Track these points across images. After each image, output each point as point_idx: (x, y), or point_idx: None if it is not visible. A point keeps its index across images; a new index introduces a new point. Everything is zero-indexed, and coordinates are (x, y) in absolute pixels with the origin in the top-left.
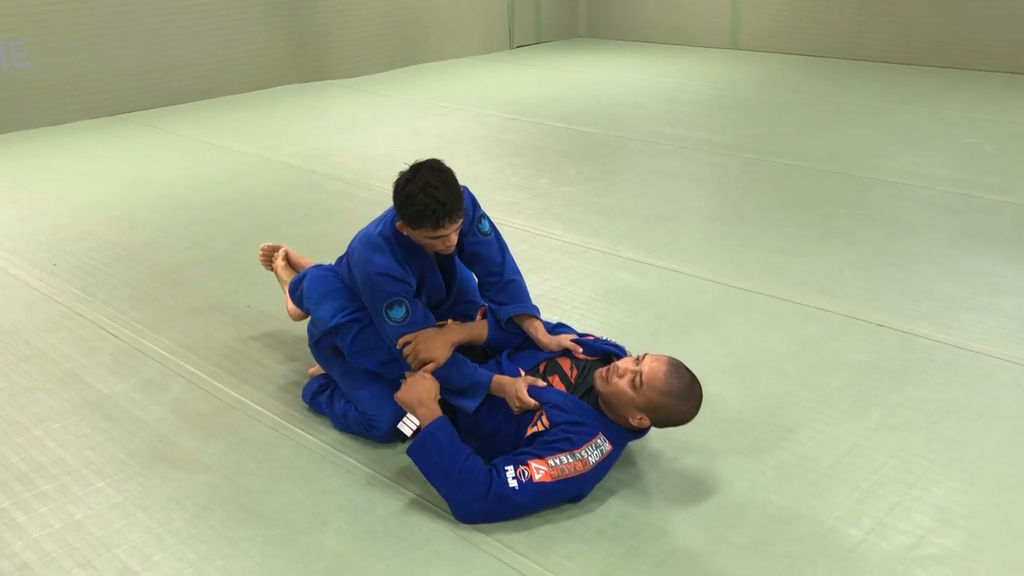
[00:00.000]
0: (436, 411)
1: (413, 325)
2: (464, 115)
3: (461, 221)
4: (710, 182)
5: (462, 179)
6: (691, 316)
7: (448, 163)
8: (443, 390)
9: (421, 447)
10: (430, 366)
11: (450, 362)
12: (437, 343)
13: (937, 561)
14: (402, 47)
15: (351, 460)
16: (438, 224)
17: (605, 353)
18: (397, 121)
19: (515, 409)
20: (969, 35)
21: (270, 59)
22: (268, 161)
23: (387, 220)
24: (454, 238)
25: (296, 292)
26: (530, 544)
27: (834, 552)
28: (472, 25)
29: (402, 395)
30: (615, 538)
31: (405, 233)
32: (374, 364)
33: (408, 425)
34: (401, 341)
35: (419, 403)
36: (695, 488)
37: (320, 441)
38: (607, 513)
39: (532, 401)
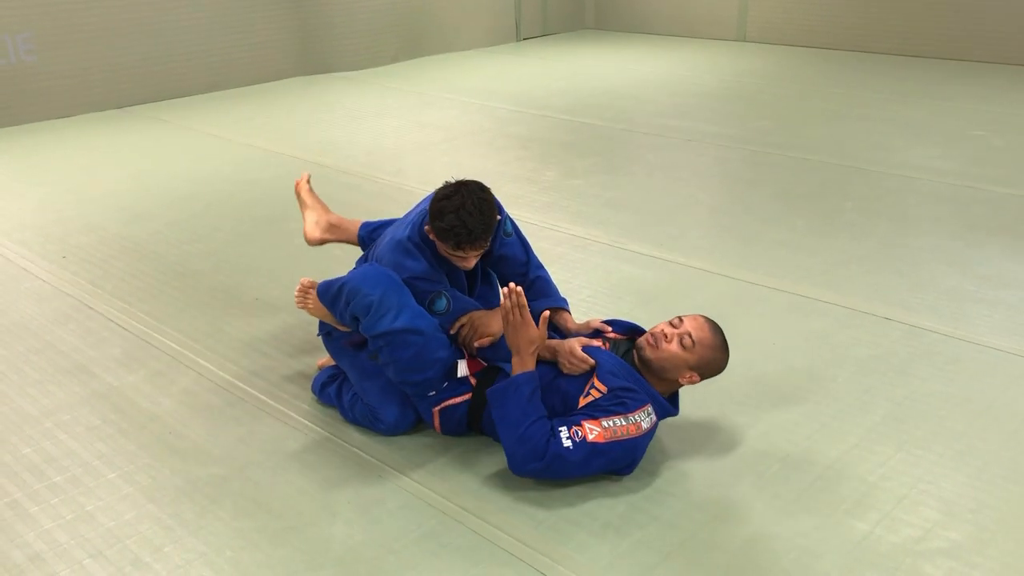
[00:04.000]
0: (529, 364)
1: (456, 313)
2: (470, 108)
3: (483, 250)
4: (716, 175)
5: (468, 172)
6: (697, 309)
7: (454, 156)
8: (496, 355)
9: (502, 395)
10: (486, 340)
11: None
12: (494, 319)
13: (944, 554)
14: (408, 39)
15: (360, 452)
16: (458, 246)
17: (631, 329)
18: (403, 114)
19: (566, 368)
20: (977, 27)
21: (275, 52)
22: (274, 154)
23: (415, 225)
24: (472, 262)
25: (331, 288)
26: (538, 536)
27: (840, 545)
28: (478, 17)
29: (509, 335)
30: (622, 530)
31: (431, 238)
32: (417, 380)
33: (461, 368)
34: (457, 324)
35: (516, 350)
36: (701, 481)
37: (329, 433)
38: (615, 506)
39: (588, 359)
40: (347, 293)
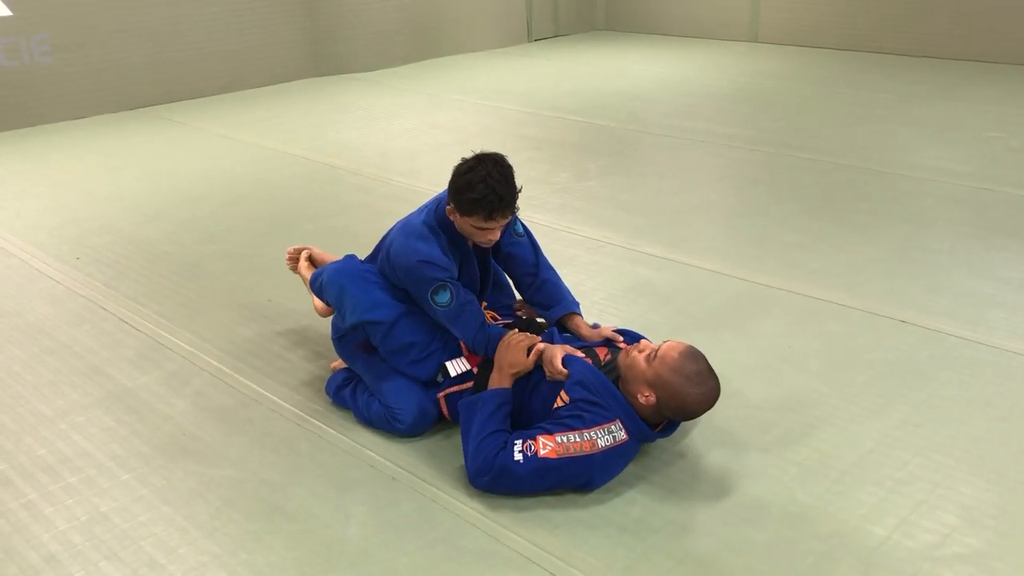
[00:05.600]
0: (505, 383)
1: (460, 307)
2: (482, 109)
3: (510, 219)
4: (730, 176)
5: None
6: (712, 312)
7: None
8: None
9: (470, 406)
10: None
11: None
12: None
13: (963, 560)
14: (420, 41)
15: (373, 455)
16: (490, 216)
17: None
18: (415, 115)
19: (548, 375)
20: (992, 28)
21: (288, 53)
22: (286, 155)
23: (430, 209)
24: (498, 234)
25: (316, 283)
26: (552, 539)
27: (858, 550)
28: (490, 19)
29: (499, 350)
30: (637, 534)
31: (452, 219)
32: (403, 364)
33: (455, 367)
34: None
35: (499, 367)
36: (717, 485)
37: (342, 435)
38: (630, 509)
39: (563, 370)
40: (319, 288)
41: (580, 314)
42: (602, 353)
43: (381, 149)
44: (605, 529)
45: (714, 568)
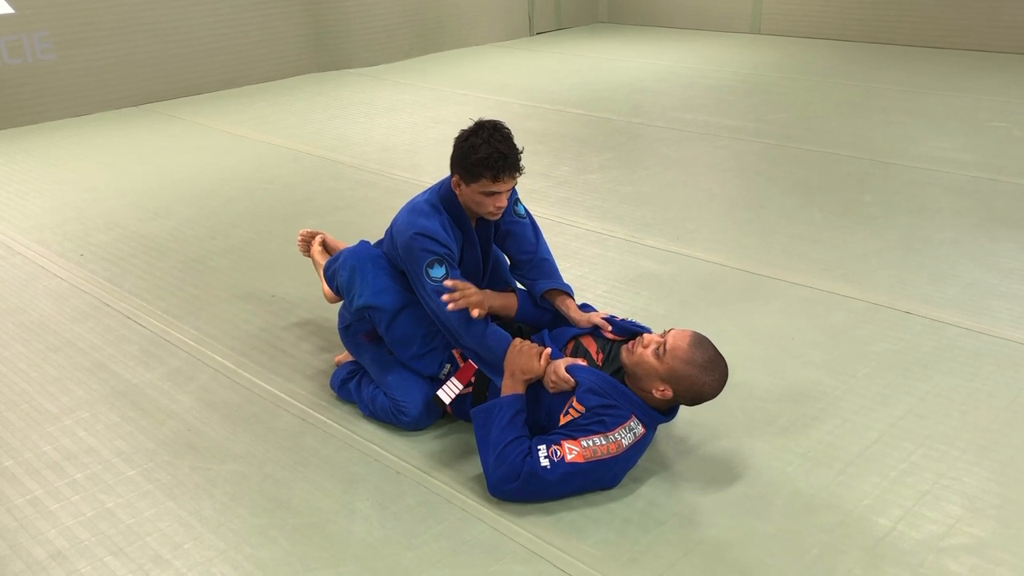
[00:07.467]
0: (519, 389)
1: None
2: (484, 103)
3: (515, 182)
4: (733, 169)
5: None
6: (715, 304)
7: None
8: (480, 362)
9: (485, 413)
10: (476, 312)
11: (490, 330)
12: (495, 299)
13: (967, 550)
14: (421, 35)
15: (378, 449)
16: (497, 176)
17: (633, 333)
18: (417, 110)
19: (550, 386)
20: (994, 17)
21: (290, 48)
22: (289, 150)
23: (434, 189)
24: (504, 200)
25: (330, 269)
26: (557, 532)
27: (863, 541)
28: (492, 12)
29: (511, 357)
30: (642, 526)
31: (457, 193)
32: (406, 357)
33: (448, 393)
34: (447, 297)
35: (510, 373)
36: (722, 477)
37: (347, 430)
38: (634, 502)
39: (569, 379)
40: (331, 274)
41: (572, 296)
42: (592, 348)
43: (384, 144)
44: (610, 522)
45: (719, 560)
